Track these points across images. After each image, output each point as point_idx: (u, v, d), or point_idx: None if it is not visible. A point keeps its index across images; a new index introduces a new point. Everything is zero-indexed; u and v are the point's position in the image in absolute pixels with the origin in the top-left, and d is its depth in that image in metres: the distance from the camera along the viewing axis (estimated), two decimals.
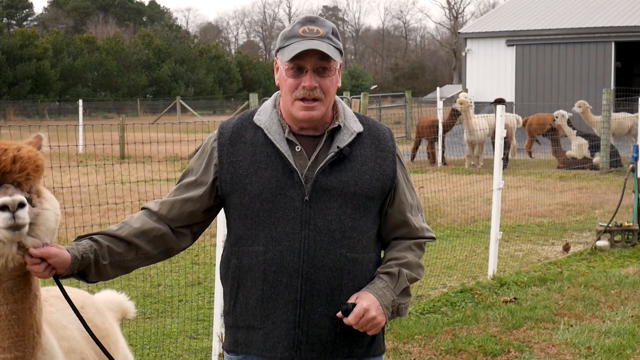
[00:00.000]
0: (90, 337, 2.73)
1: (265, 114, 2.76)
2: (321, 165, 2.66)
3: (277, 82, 2.77)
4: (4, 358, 2.51)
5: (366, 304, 2.62)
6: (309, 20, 2.71)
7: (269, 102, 2.82)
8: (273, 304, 2.67)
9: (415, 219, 2.82)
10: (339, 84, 2.75)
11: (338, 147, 2.68)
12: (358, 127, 2.75)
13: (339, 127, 2.73)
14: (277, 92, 2.84)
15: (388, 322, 2.70)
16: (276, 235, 2.65)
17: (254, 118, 2.76)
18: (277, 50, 2.73)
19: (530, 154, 21.09)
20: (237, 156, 2.71)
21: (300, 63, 2.65)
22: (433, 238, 2.88)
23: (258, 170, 2.68)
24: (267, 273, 2.66)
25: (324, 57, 2.65)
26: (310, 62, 2.65)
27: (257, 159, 2.69)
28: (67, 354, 2.82)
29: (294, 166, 2.65)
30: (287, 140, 2.70)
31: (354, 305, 2.62)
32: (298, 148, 2.69)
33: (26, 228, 2.38)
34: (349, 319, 2.61)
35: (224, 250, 2.82)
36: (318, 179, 2.65)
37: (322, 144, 2.70)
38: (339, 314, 2.64)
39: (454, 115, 18.79)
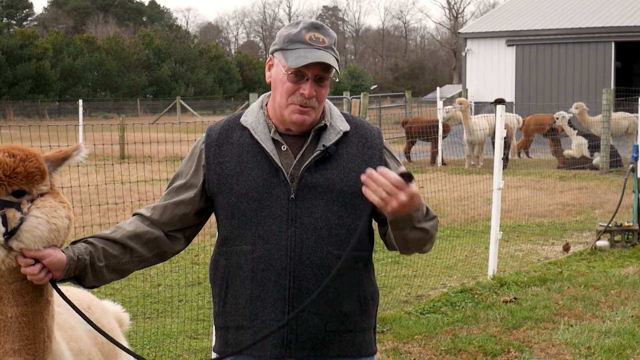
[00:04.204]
0: (99, 337, 2.72)
1: (251, 115, 2.78)
2: (306, 163, 2.68)
3: (268, 79, 2.77)
4: None
5: (415, 189, 2.45)
6: (315, 27, 2.70)
7: (255, 104, 2.83)
8: (262, 303, 2.68)
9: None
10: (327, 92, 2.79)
11: (324, 145, 2.69)
12: (344, 126, 2.76)
13: (325, 126, 2.74)
14: (264, 94, 2.85)
15: (402, 215, 2.50)
16: (263, 234, 2.66)
17: (241, 119, 2.78)
18: (278, 50, 2.72)
19: (527, 153, 21.12)
20: (224, 157, 2.73)
21: (303, 70, 2.65)
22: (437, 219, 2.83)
23: (244, 170, 2.69)
24: (255, 272, 2.67)
25: (326, 69, 2.67)
26: (312, 71, 2.66)
27: (243, 159, 2.71)
28: (76, 355, 2.82)
29: (280, 165, 2.67)
30: (273, 139, 2.71)
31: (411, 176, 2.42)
32: (284, 147, 2.71)
33: None
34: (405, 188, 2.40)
35: (213, 252, 2.84)
36: (303, 177, 2.67)
37: (308, 143, 2.72)
38: (402, 169, 2.44)
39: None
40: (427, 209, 2.68)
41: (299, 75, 2.66)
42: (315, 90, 2.67)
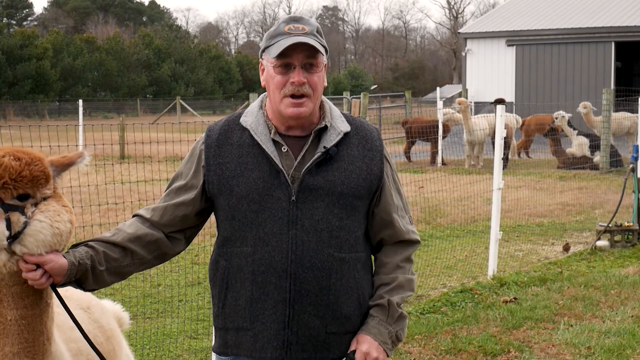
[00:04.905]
0: (97, 337, 2.72)
1: (251, 116, 2.76)
2: (307, 165, 2.67)
3: (263, 82, 2.78)
4: None
5: (365, 347, 2.69)
6: (294, 19, 2.72)
7: (255, 104, 2.82)
8: (262, 305, 2.67)
9: (401, 220, 2.81)
10: (325, 84, 2.76)
11: (324, 147, 2.68)
12: (345, 127, 2.75)
13: (326, 127, 2.73)
14: (263, 94, 2.85)
15: (391, 354, 2.78)
16: (264, 236, 2.66)
17: (241, 120, 2.76)
18: (263, 50, 2.73)
19: (527, 153, 21.12)
20: (224, 158, 2.72)
21: (287, 60, 2.65)
22: (418, 242, 2.87)
23: (245, 172, 2.68)
24: (255, 274, 2.67)
25: (311, 54, 2.66)
26: (297, 59, 2.65)
27: (243, 160, 2.70)
28: (75, 356, 2.82)
29: (280, 167, 2.66)
30: (273, 141, 2.70)
31: (354, 352, 2.69)
32: (284, 148, 2.70)
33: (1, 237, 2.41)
34: None
35: (212, 252, 2.83)
36: (304, 179, 2.66)
37: (308, 144, 2.71)
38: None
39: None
40: (389, 313, 2.78)
41: (286, 66, 2.66)
42: (305, 78, 2.65)
